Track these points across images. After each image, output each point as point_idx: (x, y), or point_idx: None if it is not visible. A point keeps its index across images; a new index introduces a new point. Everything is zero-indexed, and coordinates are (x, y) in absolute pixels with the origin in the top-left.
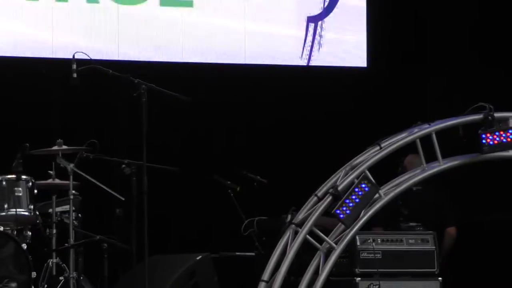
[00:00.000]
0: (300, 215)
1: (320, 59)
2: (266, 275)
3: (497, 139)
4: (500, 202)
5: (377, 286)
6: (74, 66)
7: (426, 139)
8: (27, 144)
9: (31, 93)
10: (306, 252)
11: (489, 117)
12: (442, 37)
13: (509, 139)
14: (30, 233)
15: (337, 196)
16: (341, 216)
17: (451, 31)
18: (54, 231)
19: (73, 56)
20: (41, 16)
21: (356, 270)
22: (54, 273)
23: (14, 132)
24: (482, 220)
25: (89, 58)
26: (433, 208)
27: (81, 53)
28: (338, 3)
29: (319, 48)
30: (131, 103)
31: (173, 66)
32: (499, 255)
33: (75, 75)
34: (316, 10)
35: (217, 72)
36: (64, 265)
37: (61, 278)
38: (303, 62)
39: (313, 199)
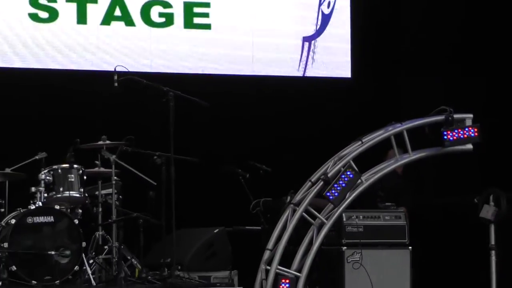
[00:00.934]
0: (297, 197)
1: (313, 71)
2: (270, 245)
3: (456, 135)
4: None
5: (359, 254)
6: (115, 77)
7: (399, 136)
8: (78, 140)
9: (82, 98)
10: (302, 227)
11: (449, 118)
12: (418, 48)
13: (465, 136)
14: (80, 211)
15: (327, 182)
16: (331, 197)
17: (429, 44)
18: (100, 209)
19: (115, 69)
20: (90, 37)
21: (343, 241)
22: (100, 243)
23: (67, 129)
24: (438, 202)
25: (127, 70)
26: (394, 192)
27: (121, 66)
28: (327, 27)
29: (312, 62)
30: (161, 106)
31: (195, 76)
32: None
33: (116, 84)
34: (310, 31)
35: (229, 81)
36: (108, 236)
37: (105, 247)
38: (300, 73)
39: (308, 184)
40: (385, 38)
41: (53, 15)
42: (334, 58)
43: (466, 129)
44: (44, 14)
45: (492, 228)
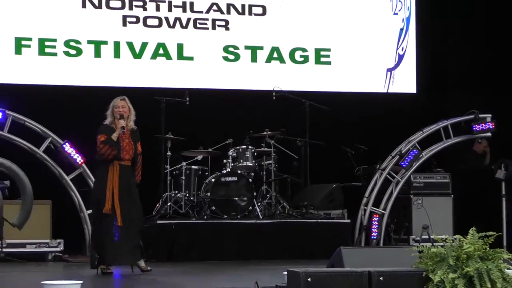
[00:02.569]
0: (383, 165)
1: (393, 88)
2: (367, 194)
3: (480, 127)
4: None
5: (421, 200)
6: (273, 94)
7: (446, 128)
8: (251, 131)
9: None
10: (383, 185)
11: (477, 116)
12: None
13: (486, 128)
14: (253, 174)
15: (401, 156)
16: (403, 165)
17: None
18: (264, 173)
19: (273, 89)
20: (143, 70)
21: (411, 191)
22: (264, 193)
23: (243, 125)
24: (474, 168)
25: (280, 89)
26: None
27: (277, 87)
28: (401, 63)
29: (392, 83)
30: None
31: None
32: None
33: (274, 98)
34: (391, 64)
35: (360, 97)
36: (269, 189)
37: (267, 195)
38: (385, 90)
39: (389, 157)
40: (437, 68)
41: None
42: (405, 81)
43: (487, 123)
44: None
45: (503, 184)
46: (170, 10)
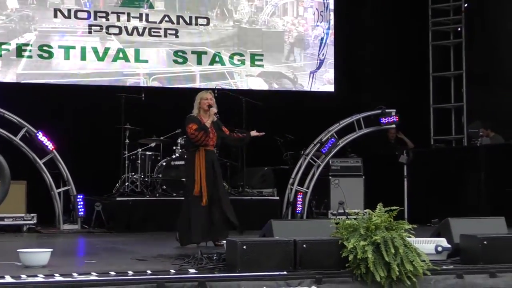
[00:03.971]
0: (307, 151)
1: (315, 88)
2: (293, 175)
3: (387, 120)
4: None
5: (338, 180)
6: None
7: (358, 120)
8: (180, 131)
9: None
10: (306, 168)
11: (383, 111)
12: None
13: (392, 120)
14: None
15: (322, 143)
16: (323, 151)
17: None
18: None
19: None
20: (106, 71)
21: (329, 173)
22: None
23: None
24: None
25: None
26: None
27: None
28: (322, 66)
29: (315, 83)
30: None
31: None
32: None
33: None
34: (314, 67)
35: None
36: None
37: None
38: (309, 89)
39: (311, 145)
40: (351, 70)
41: None
42: (324, 81)
43: (392, 117)
44: None
45: (405, 168)
46: (128, 20)
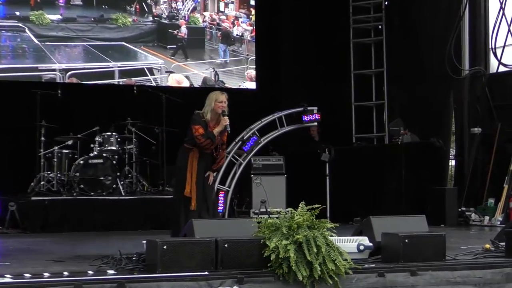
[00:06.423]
0: (228, 149)
1: (236, 85)
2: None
3: (309, 118)
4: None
5: (259, 178)
6: None
7: (280, 118)
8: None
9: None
10: (228, 166)
11: (306, 108)
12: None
13: (313, 118)
14: (117, 157)
15: (243, 141)
16: (245, 149)
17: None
18: (127, 156)
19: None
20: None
21: (251, 172)
22: (126, 173)
23: (115, 114)
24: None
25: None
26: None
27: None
28: (244, 63)
29: (237, 80)
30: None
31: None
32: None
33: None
34: (236, 64)
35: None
36: (131, 170)
37: (129, 175)
38: (230, 86)
39: (233, 143)
40: (273, 69)
41: None
42: (248, 79)
43: (314, 114)
44: None
45: (327, 165)
46: (45, 14)
